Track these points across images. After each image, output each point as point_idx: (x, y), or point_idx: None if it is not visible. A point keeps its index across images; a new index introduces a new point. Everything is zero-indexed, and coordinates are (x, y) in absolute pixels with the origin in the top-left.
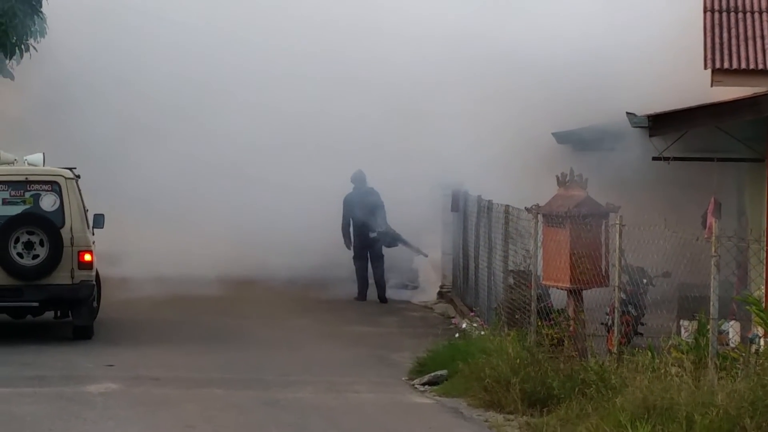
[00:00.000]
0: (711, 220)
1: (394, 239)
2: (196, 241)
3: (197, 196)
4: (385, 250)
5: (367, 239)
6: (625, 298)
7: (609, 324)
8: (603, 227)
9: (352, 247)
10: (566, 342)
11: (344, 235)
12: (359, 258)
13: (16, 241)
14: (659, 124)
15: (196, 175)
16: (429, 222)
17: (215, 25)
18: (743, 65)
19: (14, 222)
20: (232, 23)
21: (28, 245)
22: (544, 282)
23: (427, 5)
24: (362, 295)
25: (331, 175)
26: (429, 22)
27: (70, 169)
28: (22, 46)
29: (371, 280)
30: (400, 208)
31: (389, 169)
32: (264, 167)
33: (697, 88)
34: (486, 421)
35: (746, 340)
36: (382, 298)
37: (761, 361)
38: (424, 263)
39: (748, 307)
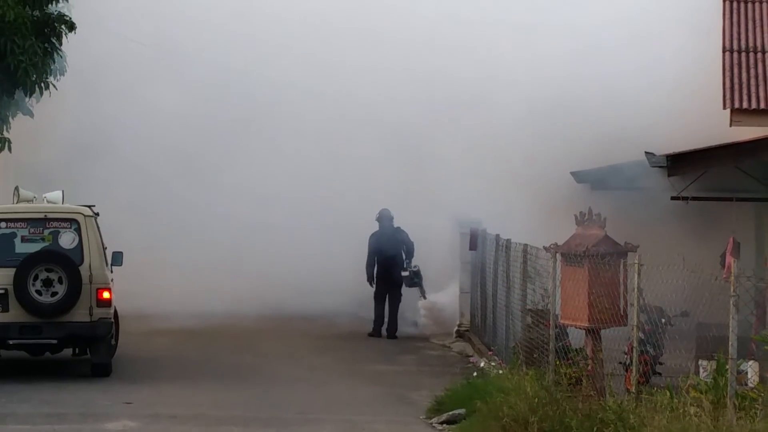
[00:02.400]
0: (730, 259)
1: (419, 279)
2: (215, 279)
3: (216, 234)
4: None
5: (390, 278)
6: (643, 337)
7: (627, 363)
8: (621, 266)
9: (374, 285)
10: (584, 381)
11: (369, 274)
12: (380, 295)
13: (35, 278)
14: (678, 163)
15: (215, 213)
16: (446, 261)
17: (233, 64)
18: (762, 105)
19: (33, 259)
20: (248, 63)
21: (47, 282)
22: (562, 321)
23: (445, 47)
24: (377, 332)
25: (351, 214)
26: (447, 62)
27: (89, 206)
28: (42, 84)
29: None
30: (427, 250)
31: (406, 209)
32: (282, 208)
33: (716, 127)
34: None
35: (765, 380)
36: (393, 335)
37: None
38: (426, 303)
39: (766, 347)
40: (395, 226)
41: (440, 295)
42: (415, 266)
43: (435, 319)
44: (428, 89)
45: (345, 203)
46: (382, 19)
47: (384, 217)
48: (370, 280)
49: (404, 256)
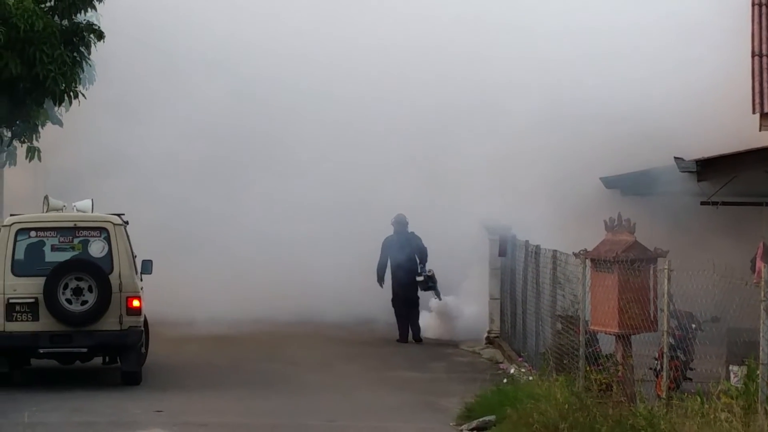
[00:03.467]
0: (760, 264)
1: (433, 283)
2: (242, 288)
3: (244, 244)
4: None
5: (406, 281)
6: (673, 343)
7: (658, 369)
8: (651, 272)
9: (391, 290)
10: (615, 387)
11: (378, 275)
12: (397, 299)
13: (65, 287)
14: (707, 168)
15: (241, 223)
16: (474, 267)
17: (255, 74)
18: None
19: (63, 268)
20: (269, 72)
21: (77, 291)
22: (592, 327)
23: (470, 52)
24: (404, 337)
25: (376, 221)
26: (472, 67)
27: (119, 215)
28: (71, 94)
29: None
30: (445, 253)
31: (436, 214)
32: (308, 216)
33: (745, 132)
34: None
35: None
36: (417, 339)
37: None
38: (439, 307)
39: None
40: (410, 231)
41: (462, 300)
42: (429, 270)
43: (450, 324)
44: (454, 95)
45: (369, 210)
46: (402, 26)
47: (398, 222)
48: (380, 280)
49: (418, 261)
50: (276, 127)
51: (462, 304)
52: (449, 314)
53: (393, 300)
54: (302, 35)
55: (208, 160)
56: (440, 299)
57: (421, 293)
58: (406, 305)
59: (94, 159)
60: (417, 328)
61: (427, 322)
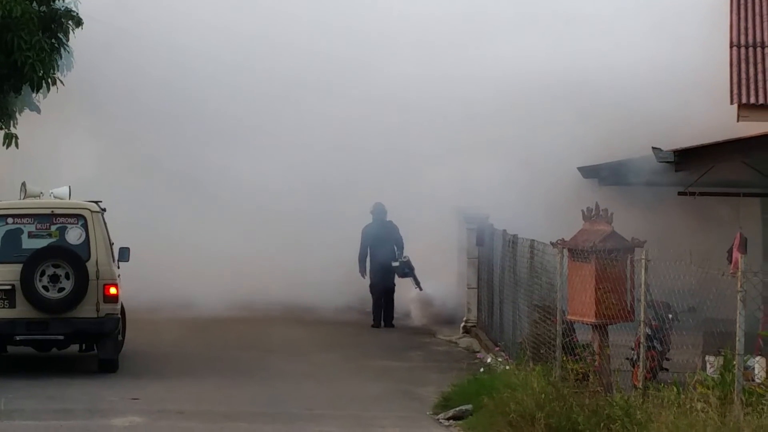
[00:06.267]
0: (737, 254)
1: (410, 269)
2: (218, 274)
3: (220, 229)
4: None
5: (385, 269)
6: (650, 333)
7: (634, 359)
8: (628, 262)
9: (367, 276)
10: (591, 377)
11: (360, 264)
12: (375, 286)
13: (42, 274)
14: (685, 158)
15: (219, 209)
16: (450, 255)
17: (243, 55)
18: None
19: (40, 255)
20: (257, 52)
21: (54, 278)
22: (569, 317)
23: (457, 41)
24: (377, 322)
25: (353, 207)
26: (448, 56)
27: (96, 202)
28: (49, 80)
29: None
30: (422, 241)
31: (412, 203)
32: (287, 203)
33: (723, 123)
34: None
35: None
36: (389, 323)
37: None
38: (419, 295)
39: None
40: (388, 220)
41: (436, 288)
42: (405, 257)
43: (426, 312)
44: (435, 80)
45: (355, 197)
46: (386, 18)
47: (378, 211)
48: (362, 272)
49: (396, 249)
50: (256, 111)
51: (437, 292)
52: (427, 302)
53: (371, 287)
54: (295, 24)
55: (188, 144)
56: (420, 289)
57: (398, 280)
58: (383, 292)
59: (72, 145)
60: (390, 314)
61: (406, 311)
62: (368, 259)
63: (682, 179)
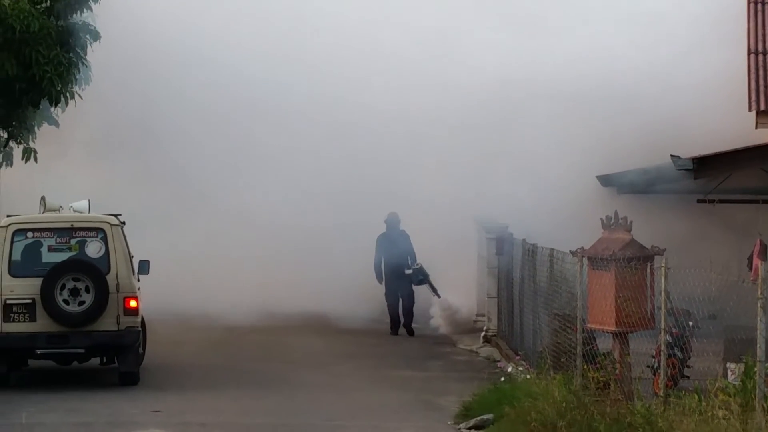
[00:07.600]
0: (757, 261)
1: (425, 277)
2: (238, 286)
3: (239, 242)
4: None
5: (399, 276)
6: (671, 340)
7: (655, 367)
8: (648, 270)
9: (383, 284)
10: (612, 385)
11: (376, 272)
12: (391, 295)
13: (62, 287)
14: (704, 166)
15: (238, 221)
16: (470, 264)
17: (261, 71)
18: None
19: (60, 269)
20: (274, 69)
21: (74, 292)
22: (589, 325)
23: (471, 46)
24: (395, 330)
25: (372, 217)
26: (467, 65)
27: (115, 215)
28: (67, 94)
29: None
30: (442, 251)
31: (432, 213)
32: (305, 215)
33: (742, 130)
34: None
35: None
36: (410, 331)
37: None
38: (440, 303)
39: None
40: (401, 229)
41: (455, 297)
42: (417, 264)
43: (449, 319)
44: (450, 88)
45: (371, 207)
46: (399, 26)
47: (391, 221)
48: (379, 278)
49: (408, 257)
50: (274, 125)
51: (456, 300)
52: (447, 311)
53: (386, 295)
54: (299, 32)
55: (206, 156)
56: (438, 296)
57: (417, 289)
58: (400, 300)
59: (91, 159)
60: (410, 321)
61: (426, 319)
62: (383, 266)
63: (700, 187)
